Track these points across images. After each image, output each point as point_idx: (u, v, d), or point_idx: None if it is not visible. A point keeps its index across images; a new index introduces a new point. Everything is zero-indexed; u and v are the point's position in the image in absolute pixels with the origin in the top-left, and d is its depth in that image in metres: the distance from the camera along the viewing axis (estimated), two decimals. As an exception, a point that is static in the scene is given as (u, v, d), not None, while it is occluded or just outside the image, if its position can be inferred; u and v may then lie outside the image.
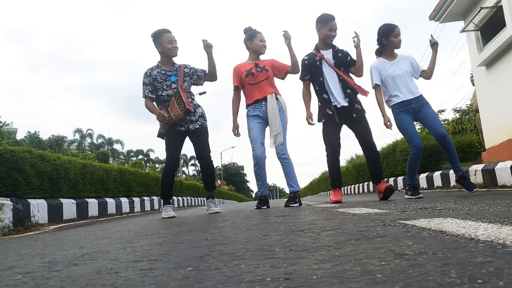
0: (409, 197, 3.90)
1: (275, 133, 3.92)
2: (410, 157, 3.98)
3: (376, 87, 4.02)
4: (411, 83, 3.95)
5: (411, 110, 3.90)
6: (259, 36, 4.13)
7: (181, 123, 3.87)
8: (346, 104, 3.94)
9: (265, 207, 4.05)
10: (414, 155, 3.93)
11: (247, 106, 4.13)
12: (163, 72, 3.93)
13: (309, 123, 4.11)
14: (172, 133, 3.89)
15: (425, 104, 3.92)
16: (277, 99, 4.04)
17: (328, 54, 4.07)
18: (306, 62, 4.11)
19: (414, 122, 4.05)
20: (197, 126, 3.95)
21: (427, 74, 4.03)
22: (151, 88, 3.91)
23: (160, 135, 3.95)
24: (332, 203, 3.89)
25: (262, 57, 4.22)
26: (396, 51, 4.08)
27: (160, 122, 3.87)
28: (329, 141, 4.04)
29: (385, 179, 10.12)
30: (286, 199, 4.76)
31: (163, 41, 3.87)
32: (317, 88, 4.08)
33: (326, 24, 4.01)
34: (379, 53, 4.14)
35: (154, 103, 3.95)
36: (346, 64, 4.08)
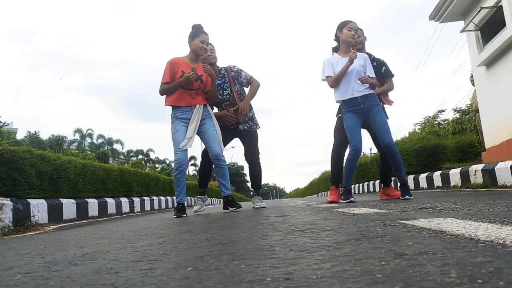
0: (342, 201, 3.85)
1: (189, 137, 3.74)
2: (348, 157, 3.85)
3: (327, 78, 3.85)
4: (358, 82, 3.77)
5: (360, 111, 3.76)
6: (202, 37, 3.84)
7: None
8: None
9: (184, 215, 3.71)
10: (352, 155, 3.81)
11: (174, 108, 3.82)
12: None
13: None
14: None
15: (375, 106, 3.75)
16: (205, 105, 3.91)
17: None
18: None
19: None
20: (246, 127, 4.17)
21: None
22: None
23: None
24: (329, 203, 3.94)
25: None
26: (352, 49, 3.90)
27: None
28: (336, 137, 4.14)
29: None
30: (285, 199, 4.74)
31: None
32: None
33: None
34: (335, 50, 4.04)
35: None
36: (380, 74, 4.12)
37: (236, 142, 4.42)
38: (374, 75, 3.84)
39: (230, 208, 3.96)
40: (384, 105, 4.15)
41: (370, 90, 3.78)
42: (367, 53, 4.16)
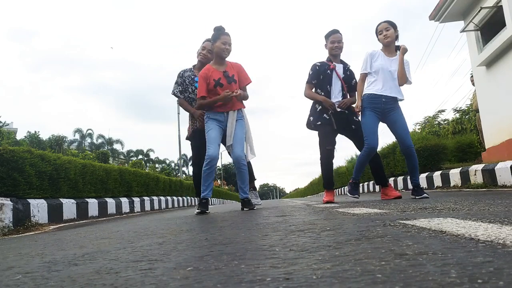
0: (348, 194, 4.03)
1: (229, 144, 3.80)
2: (362, 153, 3.93)
3: (361, 75, 3.97)
4: (391, 82, 3.84)
5: (379, 110, 3.82)
6: (223, 38, 3.80)
7: None
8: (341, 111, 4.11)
9: (208, 211, 3.81)
10: (365, 152, 3.87)
11: (208, 110, 3.89)
12: (193, 76, 4.26)
13: (334, 109, 4.07)
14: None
15: (397, 108, 3.84)
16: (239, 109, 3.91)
17: (339, 68, 4.22)
18: (317, 68, 4.25)
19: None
20: None
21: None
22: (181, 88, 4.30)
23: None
24: (325, 203, 3.98)
25: (228, 58, 3.94)
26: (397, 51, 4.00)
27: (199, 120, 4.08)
28: (324, 146, 4.16)
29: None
30: (285, 199, 4.76)
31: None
32: (322, 94, 4.19)
33: (328, 38, 4.25)
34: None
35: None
36: (350, 85, 4.24)
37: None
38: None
39: (244, 208, 3.95)
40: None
41: (399, 96, 3.86)
42: (342, 61, 4.28)
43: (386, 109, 3.82)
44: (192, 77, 4.28)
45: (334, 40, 4.19)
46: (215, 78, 3.77)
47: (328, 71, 4.17)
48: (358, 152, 4.21)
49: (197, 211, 3.81)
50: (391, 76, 3.83)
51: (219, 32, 3.82)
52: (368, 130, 3.84)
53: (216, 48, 3.81)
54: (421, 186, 3.81)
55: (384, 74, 3.83)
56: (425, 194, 3.64)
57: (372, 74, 3.91)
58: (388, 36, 3.87)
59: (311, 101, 4.32)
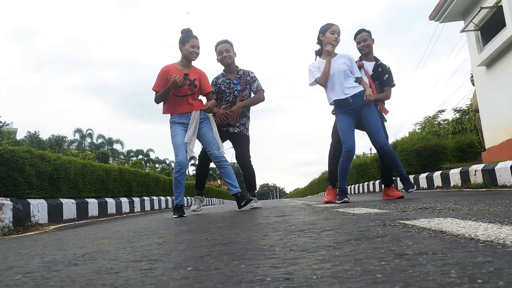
0: (337, 201, 3.89)
1: (187, 142, 3.79)
2: (341, 159, 3.86)
3: (317, 79, 3.85)
4: (346, 82, 3.77)
5: (351, 111, 3.78)
6: (192, 41, 3.82)
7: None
8: None
9: (184, 215, 3.77)
10: (345, 157, 3.82)
11: (172, 114, 3.87)
12: (228, 80, 4.21)
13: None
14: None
15: (369, 105, 3.76)
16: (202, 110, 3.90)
17: (369, 66, 4.17)
18: None
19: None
20: (236, 131, 4.15)
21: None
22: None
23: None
24: (326, 203, 3.98)
25: (194, 63, 3.95)
26: (336, 51, 3.91)
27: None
28: (334, 137, 4.20)
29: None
30: (285, 199, 4.74)
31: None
32: None
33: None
34: (318, 53, 4.05)
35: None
36: (382, 80, 4.18)
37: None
38: (360, 75, 3.86)
39: (241, 205, 3.88)
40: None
41: (359, 89, 3.76)
42: (375, 57, 4.22)
43: (358, 107, 3.75)
44: (228, 81, 4.20)
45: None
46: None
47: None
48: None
49: (174, 216, 3.77)
50: (344, 75, 3.76)
51: (188, 35, 3.83)
52: (343, 134, 3.79)
53: (184, 51, 3.82)
54: (406, 178, 3.82)
55: (339, 76, 3.77)
56: (410, 189, 3.68)
57: (327, 84, 3.84)
58: (338, 41, 3.87)
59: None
